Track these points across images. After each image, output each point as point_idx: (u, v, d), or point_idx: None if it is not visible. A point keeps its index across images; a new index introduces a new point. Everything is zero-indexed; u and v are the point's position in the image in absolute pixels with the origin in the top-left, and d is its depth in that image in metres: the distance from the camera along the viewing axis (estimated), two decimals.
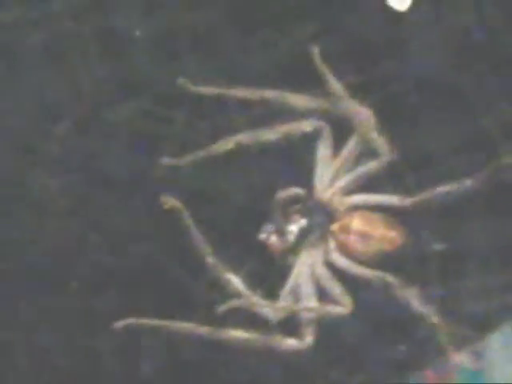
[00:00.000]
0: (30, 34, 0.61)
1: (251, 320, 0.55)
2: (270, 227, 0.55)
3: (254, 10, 0.59)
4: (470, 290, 0.58)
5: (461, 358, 0.57)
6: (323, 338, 0.56)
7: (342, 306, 0.54)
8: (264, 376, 0.59)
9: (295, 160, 0.56)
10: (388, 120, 0.56)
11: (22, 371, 0.60)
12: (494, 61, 0.59)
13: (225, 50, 0.59)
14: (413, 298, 0.54)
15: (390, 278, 0.54)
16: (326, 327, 0.55)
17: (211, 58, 0.58)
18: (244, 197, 0.59)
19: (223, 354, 0.58)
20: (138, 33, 0.60)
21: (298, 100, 0.55)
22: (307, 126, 0.55)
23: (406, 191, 0.56)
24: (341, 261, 0.55)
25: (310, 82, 0.56)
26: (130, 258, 0.59)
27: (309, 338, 0.54)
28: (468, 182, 0.54)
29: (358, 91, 0.56)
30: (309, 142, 0.56)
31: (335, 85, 0.55)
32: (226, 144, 0.55)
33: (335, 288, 0.55)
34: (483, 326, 0.60)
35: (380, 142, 0.55)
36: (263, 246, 0.56)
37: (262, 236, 0.55)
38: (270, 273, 0.56)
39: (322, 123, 0.55)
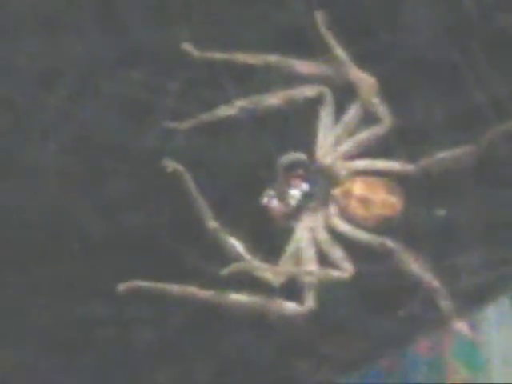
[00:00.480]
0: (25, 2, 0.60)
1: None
2: (271, 192, 0.55)
3: None
4: (466, 264, 0.58)
5: (459, 326, 0.57)
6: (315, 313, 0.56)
7: (343, 270, 0.54)
8: (254, 351, 0.59)
9: (297, 125, 0.57)
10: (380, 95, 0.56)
11: (14, 340, 0.60)
12: (488, 37, 0.59)
13: (222, 23, 0.59)
14: (413, 263, 0.54)
15: (390, 243, 0.54)
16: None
17: (208, 30, 0.58)
18: (243, 165, 0.59)
19: (216, 325, 0.58)
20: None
21: (301, 65, 0.55)
22: (309, 91, 0.55)
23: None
24: (342, 225, 0.56)
25: (307, 54, 0.57)
26: (123, 226, 0.59)
27: (309, 303, 0.54)
28: (470, 148, 0.54)
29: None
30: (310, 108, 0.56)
31: (339, 51, 0.55)
32: (228, 109, 0.55)
33: (336, 252, 0.55)
34: (480, 299, 0.61)
35: (381, 108, 0.55)
36: (264, 212, 0.56)
37: (264, 200, 0.55)
38: (270, 237, 0.56)
39: (324, 89, 0.55)
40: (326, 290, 0.55)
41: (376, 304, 0.59)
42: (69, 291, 0.60)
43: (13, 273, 0.60)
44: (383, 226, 0.55)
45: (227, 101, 0.56)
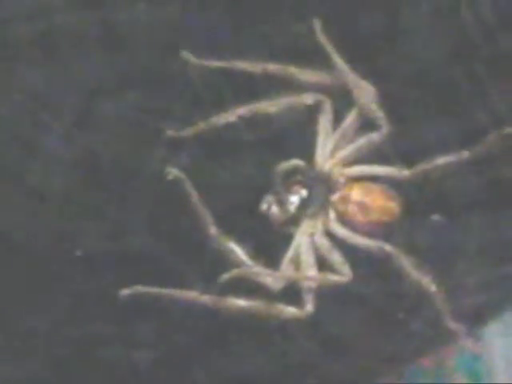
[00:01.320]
0: (26, 27, 0.61)
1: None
2: (271, 198, 0.56)
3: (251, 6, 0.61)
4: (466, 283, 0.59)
5: (460, 333, 0.57)
6: (311, 330, 0.57)
7: (342, 275, 0.55)
8: (257, 369, 0.60)
9: (296, 133, 0.57)
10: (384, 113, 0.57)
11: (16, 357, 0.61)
12: (490, 57, 0.60)
13: (222, 46, 0.60)
14: (411, 268, 0.54)
15: (388, 248, 0.55)
16: (316, 318, 0.56)
17: (210, 54, 0.59)
18: (245, 179, 0.60)
19: (217, 342, 0.58)
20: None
21: (301, 73, 0.56)
22: (308, 98, 0.56)
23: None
24: (340, 231, 0.56)
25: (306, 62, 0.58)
26: (127, 248, 0.60)
27: (309, 307, 0.55)
28: (465, 154, 0.55)
29: None
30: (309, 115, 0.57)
31: (337, 59, 0.56)
32: (227, 116, 0.56)
33: (335, 257, 0.56)
34: (481, 317, 0.61)
35: (380, 114, 0.56)
36: (264, 219, 0.56)
37: (263, 206, 0.56)
38: (270, 243, 0.57)
39: (323, 96, 0.56)
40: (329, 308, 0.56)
41: (379, 323, 0.59)
42: (72, 311, 0.60)
43: (16, 291, 0.61)
44: (381, 232, 0.56)
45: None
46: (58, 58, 0.61)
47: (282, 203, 0.56)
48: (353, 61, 0.57)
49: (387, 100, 0.57)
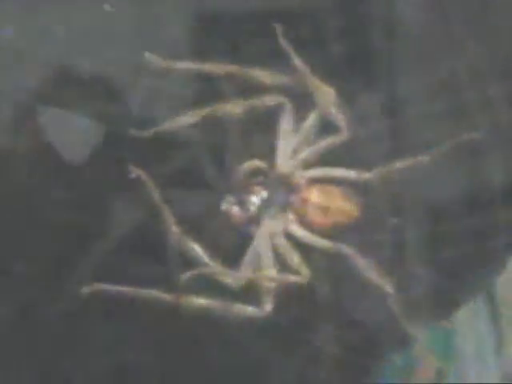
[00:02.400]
0: None
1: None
2: (231, 198, 0.57)
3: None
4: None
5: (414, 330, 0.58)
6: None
7: (300, 276, 0.55)
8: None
9: (257, 134, 0.58)
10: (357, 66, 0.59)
11: None
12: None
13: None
14: (369, 269, 0.55)
15: (346, 249, 0.56)
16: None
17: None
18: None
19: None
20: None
21: (262, 75, 0.57)
22: (269, 100, 0.56)
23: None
24: (300, 232, 0.57)
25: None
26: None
27: (267, 306, 0.56)
28: (425, 159, 0.56)
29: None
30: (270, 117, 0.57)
31: (298, 61, 0.56)
32: (190, 117, 0.57)
33: (294, 258, 0.56)
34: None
35: (340, 117, 0.56)
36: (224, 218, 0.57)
37: (224, 206, 0.57)
38: (231, 243, 0.58)
39: (283, 98, 0.56)
40: None
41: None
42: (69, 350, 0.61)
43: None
44: (340, 233, 0.57)
45: None
46: None
47: (242, 204, 0.56)
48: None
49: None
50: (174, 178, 0.60)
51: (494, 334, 0.67)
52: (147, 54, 0.58)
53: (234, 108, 0.56)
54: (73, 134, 0.60)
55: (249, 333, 0.58)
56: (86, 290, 0.56)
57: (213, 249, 0.56)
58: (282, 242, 0.57)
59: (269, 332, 0.58)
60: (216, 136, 0.58)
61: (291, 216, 0.57)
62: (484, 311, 0.67)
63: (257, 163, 0.56)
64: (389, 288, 0.56)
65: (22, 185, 0.62)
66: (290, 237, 0.57)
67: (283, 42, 0.57)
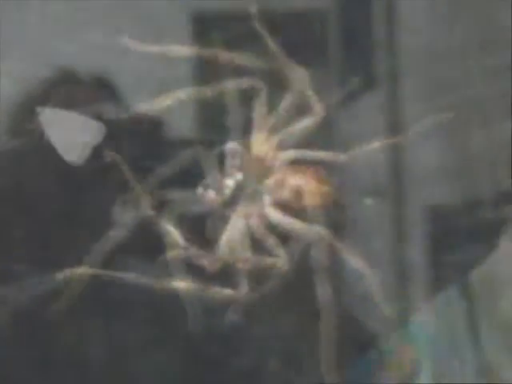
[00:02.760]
0: None
1: None
2: (207, 181, 0.57)
3: None
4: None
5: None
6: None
7: (277, 258, 0.55)
8: None
9: (231, 117, 0.58)
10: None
11: None
12: None
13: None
14: (345, 252, 0.55)
15: (323, 232, 0.55)
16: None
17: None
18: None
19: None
20: None
21: (235, 57, 0.57)
22: (243, 83, 0.57)
23: None
24: (275, 215, 0.57)
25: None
26: None
27: (244, 289, 0.56)
28: (400, 138, 0.56)
29: None
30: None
31: (272, 44, 0.57)
32: (166, 99, 0.57)
33: (269, 241, 0.56)
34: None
35: (314, 99, 0.57)
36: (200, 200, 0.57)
37: (200, 190, 0.57)
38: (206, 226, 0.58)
39: (257, 81, 0.57)
40: None
41: None
42: None
43: None
44: (316, 215, 0.56)
45: None
46: None
47: (217, 186, 0.56)
48: None
49: None
50: (174, 178, 0.60)
51: (469, 326, 0.66)
52: (125, 38, 0.59)
53: (208, 91, 0.57)
54: (73, 133, 0.61)
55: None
56: (59, 276, 0.56)
57: (189, 231, 0.56)
58: (257, 224, 0.57)
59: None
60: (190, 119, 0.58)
61: (267, 199, 0.57)
62: (459, 303, 0.66)
63: (231, 145, 0.56)
64: (369, 271, 0.55)
65: (21, 185, 0.62)
66: (265, 220, 0.57)
67: (257, 24, 0.57)
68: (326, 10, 0.70)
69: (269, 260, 0.55)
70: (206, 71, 0.57)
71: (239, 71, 0.57)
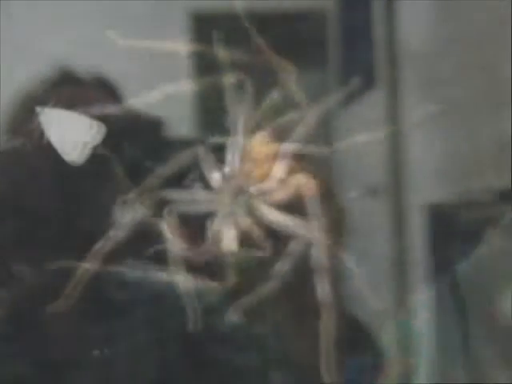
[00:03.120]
0: None
1: None
2: (194, 175, 0.57)
3: None
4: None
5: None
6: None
7: (263, 250, 0.55)
8: None
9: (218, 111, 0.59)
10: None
11: None
12: None
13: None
14: (331, 247, 0.55)
15: (309, 226, 0.55)
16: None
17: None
18: None
19: None
20: None
21: (223, 53, 0.58)
22: (230, 78, 0.57)
23: None
24: (262, 207, 0.57)
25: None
26: None
27: (230, 280, 0.56)
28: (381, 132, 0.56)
29: None
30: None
31: (260, 40, 0.57)
32: (154, 95, 0.58)
33: (255, 232, 0.56)
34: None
35: (300, 94, 0.57)
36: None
37: (187, 182, 0.57)
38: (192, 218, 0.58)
39: (244, 76, 0.57)
40: None
41: None
42: None
43: None
44: (302, 208, 0.56)
45: None
46: None
47: (205, 179, 0.57)
48: None
49: None
50: (173, 177, 0.60)
51: (460, 326, 0.66)
52: (109, 32, 0.59)
53: (195, 85, 0.57)
54: (73, 133, 0.61)
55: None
56: (50, 265, 0.57)
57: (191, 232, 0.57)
58: (243, 216, 0.57)
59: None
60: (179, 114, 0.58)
61: (253, 191, 0.57)
62: (449, 302, 0.66)
63: (218, 139, 0.57)
64: (353, 265, 0.55)
65: (21, 184, 0.63)
66: (252, 212, 0.57)
67: (244, 20, 0.57)
68: (326, 10, 0.70)
69: (256, 253, 0.55)
70: (203, 68, 0.57)
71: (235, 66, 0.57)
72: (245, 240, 0.57)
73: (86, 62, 0.65)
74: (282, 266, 0.55)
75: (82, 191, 0.62)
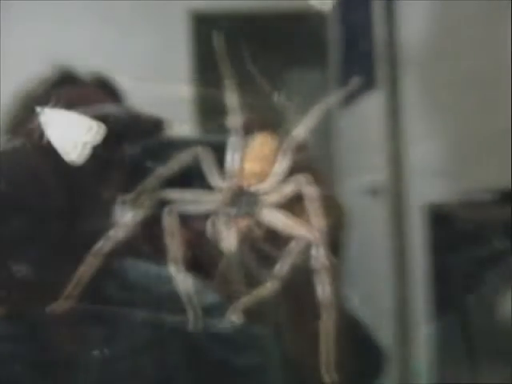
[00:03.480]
0: None
1: None
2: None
3: None
4: None
5: None
6: None
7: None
8: None
9: None
10: None
11: None
12: None
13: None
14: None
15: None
16: None
17: None
18: None
19: None
20: None
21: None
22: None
23: None
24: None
25: None
26: None
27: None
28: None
29: None
30: None
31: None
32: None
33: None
34: None
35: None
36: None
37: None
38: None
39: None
40: None
41: None
42: None
43: None
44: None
45: None
46: None
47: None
48: None
49: None
50: (174, 177, 0.60)
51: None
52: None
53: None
54: (73, 133, 0.61)
55: None
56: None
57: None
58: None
59: None
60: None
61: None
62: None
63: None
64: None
65: (21, 184, 0.63)
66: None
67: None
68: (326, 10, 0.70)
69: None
70: (205, 71, 0.57)
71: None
72: (245, 240, 0.57)
73: (86, 62, 0.65)
74: (282, 266, 0.55)
75: (81, 191, 0.62)
